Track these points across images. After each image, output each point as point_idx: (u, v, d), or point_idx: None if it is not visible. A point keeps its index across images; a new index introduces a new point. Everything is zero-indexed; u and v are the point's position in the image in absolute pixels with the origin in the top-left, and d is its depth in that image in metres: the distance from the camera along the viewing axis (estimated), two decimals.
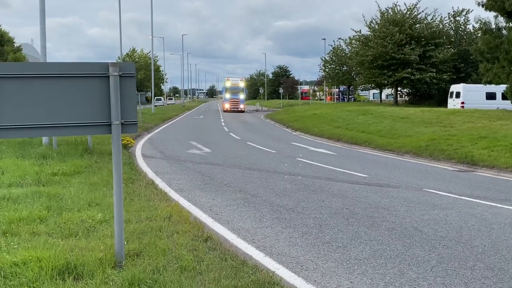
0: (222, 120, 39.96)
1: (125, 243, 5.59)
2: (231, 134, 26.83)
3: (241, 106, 59.15)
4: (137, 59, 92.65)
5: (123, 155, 12.25)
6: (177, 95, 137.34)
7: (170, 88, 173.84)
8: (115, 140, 5.18)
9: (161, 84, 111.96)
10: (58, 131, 5.20)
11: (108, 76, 5.04)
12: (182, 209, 8.13)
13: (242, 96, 59.77)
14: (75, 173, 10.94)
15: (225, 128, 31.78)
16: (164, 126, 33.31)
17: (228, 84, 60.24)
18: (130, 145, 18.07)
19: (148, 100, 71.54)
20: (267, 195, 9.98)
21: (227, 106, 59.67)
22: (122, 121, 5.13)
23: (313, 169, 14.00)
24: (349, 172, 13.44)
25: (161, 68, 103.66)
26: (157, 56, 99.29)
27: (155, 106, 54.18)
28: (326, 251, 6.40)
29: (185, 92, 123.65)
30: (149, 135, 24.86)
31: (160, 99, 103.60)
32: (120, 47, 41.96)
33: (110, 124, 5.11)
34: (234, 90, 59.37)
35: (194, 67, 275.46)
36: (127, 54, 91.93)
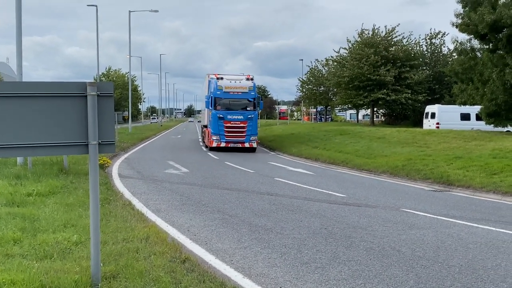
0: (200, 140, 39.83)
1: (102, 265, 5.50)
2: (209, 154, 26.75)
3: (252, 138, 27.90)
4: (114, 78, 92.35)
5: (100, 175, 12.10)
6: (155, 114, 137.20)
7: (147, 107, 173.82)
8: (92, 160, 5.12)
9: (139, 104, 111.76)
10: (34, 151, 5.11)
11: (86, 96, 5.00)
12: (159, 230, 8.03)
13: (253, 114, 28.03)
14: (50, 194, 10.77)
15: (203, 148, 31.68)
16: (142, 145, 33.09)
17: (222, 85, 27.74)
18: (106, 165, 17.87)
19: (125, 120, 71.44)
20: (245, 215, 9.93)
21: (217, 138, 27.74)
22: (99, 141, 5.08)
23: (291, 189, 14.01)
24: (327, 192, 13.49)
25: (139, 88, 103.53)
26: (135, 76, 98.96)
27: (150, 123, 53.79)
28: (305, 272, 6.38)
29: (163, 111, 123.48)
30: (126, 155, 24.64)
31: (155, 118, 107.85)
32: (98, 67, 41.23)
33: (87, 144, 5.06)
34: (237, 102, 28.06)
35: (172, 87, 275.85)
36: (103, 73, 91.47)
